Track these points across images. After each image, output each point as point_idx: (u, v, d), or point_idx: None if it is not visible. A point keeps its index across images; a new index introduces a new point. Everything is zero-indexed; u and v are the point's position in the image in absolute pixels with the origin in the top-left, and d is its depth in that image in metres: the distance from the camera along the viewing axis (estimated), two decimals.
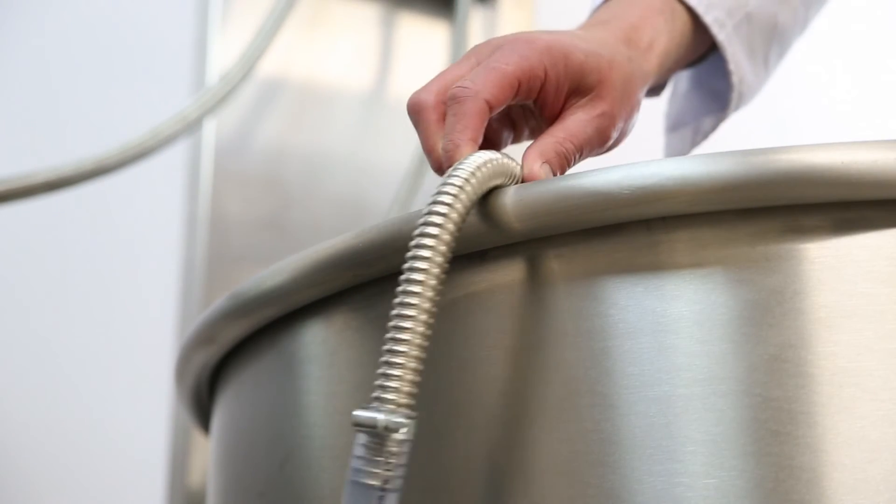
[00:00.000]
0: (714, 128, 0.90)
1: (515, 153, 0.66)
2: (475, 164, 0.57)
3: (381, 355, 0.53)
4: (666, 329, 0.54)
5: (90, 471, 1.29)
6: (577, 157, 0.69)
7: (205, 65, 1.36)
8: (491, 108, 0.65)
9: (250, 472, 0.68)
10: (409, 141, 1.42)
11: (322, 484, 0.61)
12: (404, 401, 0.52)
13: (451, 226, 0.54)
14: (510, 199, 0.57)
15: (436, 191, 0.55)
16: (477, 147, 0.63)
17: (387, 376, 0.52)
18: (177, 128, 1.07)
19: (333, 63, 1.43)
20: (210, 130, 1.33)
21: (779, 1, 0.89)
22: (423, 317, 0.53)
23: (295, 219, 1.35)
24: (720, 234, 0.55)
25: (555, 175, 0.65)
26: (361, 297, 0.62)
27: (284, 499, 0.64)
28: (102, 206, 1.32)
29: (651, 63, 0.78)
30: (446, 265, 0.54)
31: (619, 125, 0.72)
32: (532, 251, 0.57)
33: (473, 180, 0.56)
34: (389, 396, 0.52)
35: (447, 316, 0.58)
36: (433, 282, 0.53)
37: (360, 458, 0.53)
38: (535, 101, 0.69)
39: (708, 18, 0.82)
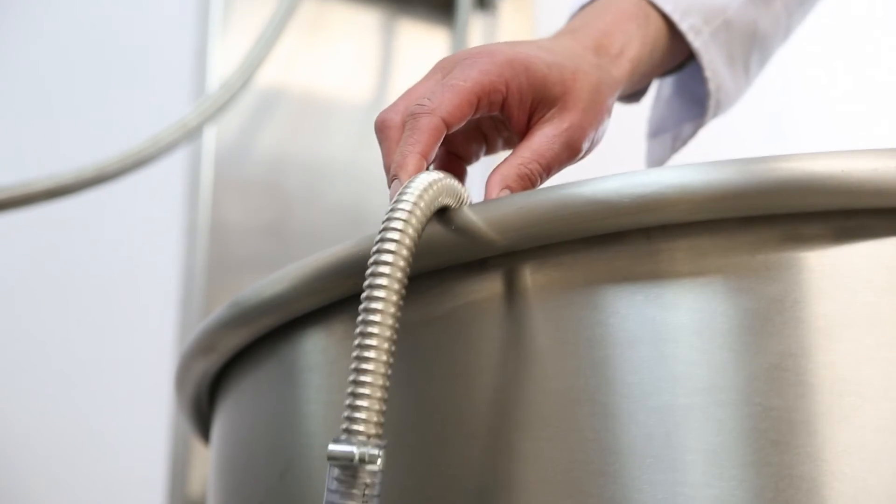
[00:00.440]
0: (693, 134, 0.89)
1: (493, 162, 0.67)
2: (422, 186, 0.57)
3: (347, 385, 0.52)
4: (666, 338, 0.54)
5: (90, 480, 1.29)
6: (545, 175, 0.69)
7: (205, 72, 1.36)
8: (448, 126, 0.66)
9: (250, 482, 0.67)
10: None
11: (323, 494, 0.61)
12: (374, 431, 0.52)
13: (404, 251, 0.54)
14: (510, 207, 0.57)
15: (385, 216, 0.55)
16: (425, 161, 0.64)
17: (355, 408, 0.52)
18: (177, 135, 1.07)
19: (333, 70, 1.43)
20: (210, 137, 1.33)
21: (759, 7, 0.88)
22: (385, 345, 0.53)
23: (295, 226, 1.35)
24: (720, 243, 0.55)
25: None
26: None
27: None
28: (102, 212, 1.32)
29: (622, 69, 0.77)
30: (403, 290, 0.54)
31: (590, 135, 0.72)
32: (532, 260, 0.57)
33: (422, 203, 0.56)
34: (360, 428, 0.52)
35: (447, 325, 0.58)
36: (392, 309, 0.53)
37: (335, 491, 0.53)
38: (501, 114, 0.69)
39: (683, 25, 0.81)
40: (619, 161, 0.87)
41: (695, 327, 0.54)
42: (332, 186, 1.38)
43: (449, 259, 0.59)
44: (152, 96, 1.37)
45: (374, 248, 0.55)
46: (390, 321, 0.53)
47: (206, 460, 0.91)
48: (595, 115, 0.72)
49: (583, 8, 0.81)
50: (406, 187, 0.57)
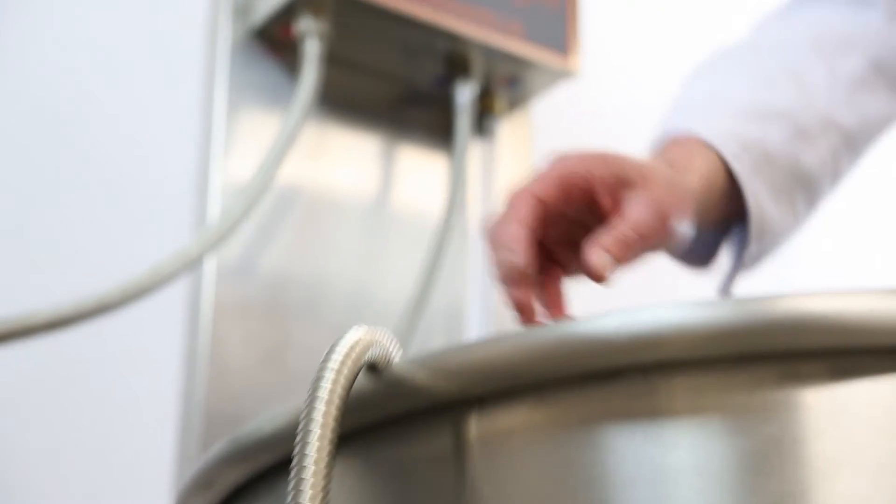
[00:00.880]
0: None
1: None
2: (347, 345, 0.58)
3: None
4: (665, 478, 0.54)
5: None
6: (641, 244, 0.72)
7: (206, 200, 1.37)
8: (541, 202, 0.72)
9: None
10: (409, 269, 1.43)
11: None
12: None
13: (331, 421, 0.55)
14: (509, 344, 0.57)
15: (311, 386, 0.56)
16: (524, 229, 0.70)
17: None
18: (177, 266, 1.07)
19: (333, 193, 1.44)
20: (211, 261, 1.34)
21: (800, 143, 0.90)
22: None
23: (296, 351, 1.35)
24: (718, 381, 0.55)
25: (619, 264, 0.70)
26: (362, 442, 0.62)
27: None
28: (100, 340, 1.32)
29: (693, 180, 0.80)
30: (332, 460, 0.54)
31: (674, 216, 0.73)
32: (529, 397, 0.57)
33: (345, 370, 0.57)
34: None
35: (443, 463, 0.58)
36: (322, 480, 0.53)
37: None
38: (591, 204, 0.74)
39: (725, 151, 0.84)
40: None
41: (694, 467, 0.53)
42: (332, 307, 1.39)
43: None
44: (153, 225, 1.37)
45: (302, 418, 0.55)
46: (321, 490, 0.53)
47: None
48: (675, 201, 0.75)
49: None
50: (332, 347, 0.58)
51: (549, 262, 0.77)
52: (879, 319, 0.53)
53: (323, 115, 1.45)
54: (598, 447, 0.55)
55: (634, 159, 0.76)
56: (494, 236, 0.72)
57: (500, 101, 1.52)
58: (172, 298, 1.34)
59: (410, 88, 1.50)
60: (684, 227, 0.77)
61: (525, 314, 0.74)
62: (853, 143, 0.94)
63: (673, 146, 0.85)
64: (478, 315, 1.49)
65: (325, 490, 0.53)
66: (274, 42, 1.42)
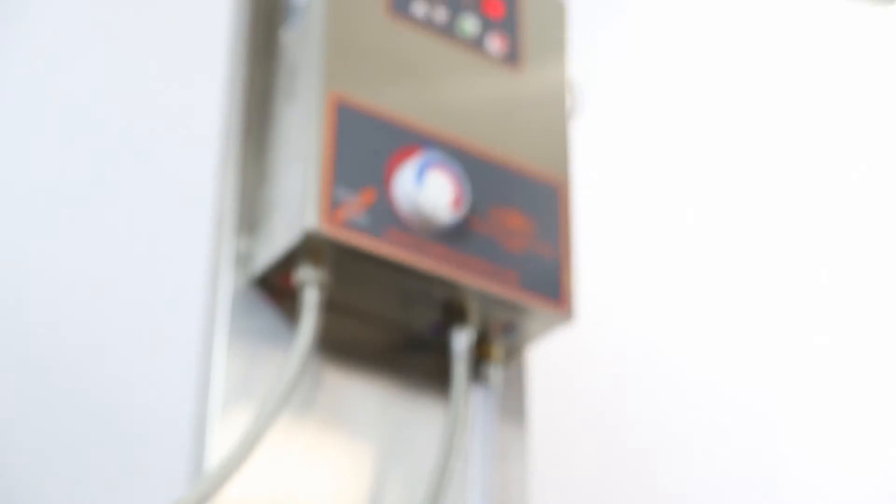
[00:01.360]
0: None
1: None
2: None
3: None
4: None
5: None
6: None
7: (203, 448, 1.36)
8: None
9: None
10: None
11: None
12: None
13: None
14: None
15: None
16: None
17: None
18: None
19: (332, 437, 1.43)
20: None
21: None
22: None
23: None
24: None
25: None
26: None
27: None
28: None
29: None
30: None
31: None
32: None
33: None
34: None
35: None
36: None
37: None
38: None
39: None
40: None
41: None
42: None
43: None
44: (148, 473, 1.36)
45: None
46: None
47: None
48: None
49: None
50: None
51: None
52: None
53: (321, 361, 1.45)
54: None
55: None
56: None
57: (496, 348, 1.53)
58: None
59: (408, 335, 1.51)
60: None
61: None
62: None
63: None
64: None
65: None
66: (274, 290, 1.43)
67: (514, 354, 1.58)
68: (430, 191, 1.40)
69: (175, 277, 1.57)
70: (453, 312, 1.47)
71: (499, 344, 1.53)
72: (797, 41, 2.34)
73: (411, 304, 1.47)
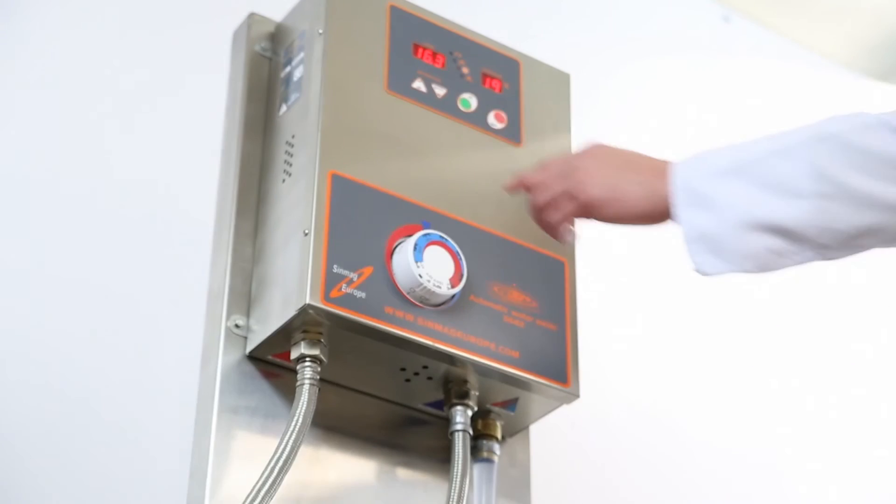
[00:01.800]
0: None
1: None
2: None
3: None
4: None
5: None
6: None
7: None
8: None
9: None
10: None
11: None
12: None
13: None
14: None
15: None
16: None
17: None
18: None
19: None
20: None
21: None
22: None
23: None
24: None
25: None
26: None
27: None
28: None
29: None
30: None
31: None
32: None
33: None
34: None
35: None
36: None
37: None
38: None
39: None
40: None
41: None
42: None
43: None
44: None
45: None
46: None
47: None
48: None
49: None
50: None
51: None
52: None
53: (318, 438, 1.44)
54: None
55: None
56: None
57: (497, 425, 1.51)
58: None
59: (407, 412, 1.50)
60: None
61: None
62: None
63: None
64: None
65: None
66: (270, 366, 1.43)
67: (517, 430, 1.57)
68: (428, 267, 1.39)
69: (170, 355, 1.56)
70: (453, 389, 1.46)
71: (499, 421, 1.52)
72: (798, 109, 2.35)
73: (410, 381, 1.46)
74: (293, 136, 1.46)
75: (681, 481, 2.06)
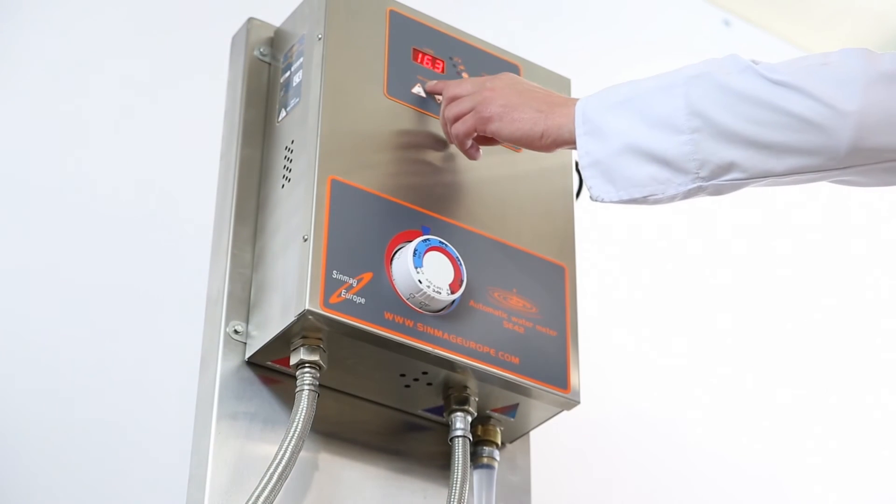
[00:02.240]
0: None
1: None
2: None
3: None
4: None
5: None
6: None
7: None
8: None
9: None
10: None
11: None
12: None
13: None
14: None
15: None
16: None
17: None
18: None
19: None
20: None
21: None
22: None
23: None
24: None
25: None
26: None
27: None
28: None
29: None
30: None
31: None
32: None
33: None
34: None
35: None
36: None
37: None
38: None
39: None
40: None
41: None
42: None
43: None
44: None
45: None
46: None
47: None
48: None
49: None
50: None
51: None
52: None
53: (317, 444, 1.44)
54: None
55: None
56: None
57: (496, 431, 1.51)
58: None
59: (407, 418, 1.50)
60: None
61: None
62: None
63: None
64: None
65: None
66: (269, 371, 1.42)
67: (517, 436, 1.56)
68: (428, 273, 1.39)
69: (169, 360, 1.56)
70: (453, 395, 1.46)
71: (499, 427, 1.51)
72: None
73: (410, 387, 1.46)
74: (292, 142, 1.46)
75: (680, 488, 2.06)
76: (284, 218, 1.43)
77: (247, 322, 1.43)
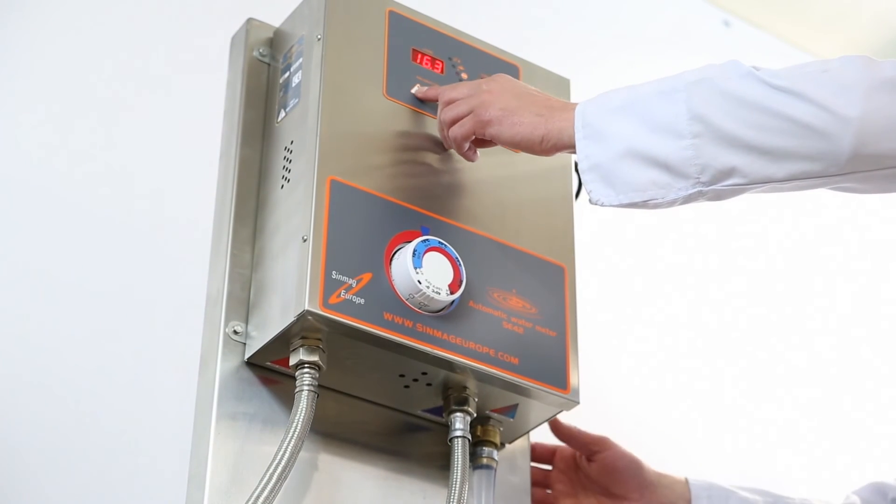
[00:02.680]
0: None
1: None
2: None
3: None
4: None
5: None
6: None
7: None
8: None
9: None
10: None
11: None
12: None
13: None
14: None
15: None
16: None
17: None
18: None
19: None
20: None
21: None
22: None
23: None
24: None
25: None
26: None
27: None
28: None
29: None
30: None
31: None
32: None
33: None
34: None
35: None
36: None
37: None
38: None
39: None
40: None
41: None
42: None
43: None
44: None
45: None
46: None
47: None
48: None
49: None
50: None
51: None
52: None
53: (317, 445, 1.44)
54: None
55: None
56: None
57: (496, 431, 1.51)
58: None
59: (406, 418, 1.50)
60: None
61: None
62: None
63: None
64: None
65: None
66: (268, 372, 1.42)
67: (516, 436, 1.57)
68: (427, 273, 1.39)
69: (168, 361, 1.56)
70: (452, 395, 1.46)
71: (499, 427, 1.51)
72: None
73: (409, 387, 1.45)
74: (292, 142, 1.46)
75: None
76: (284, 218, 1.42)
77: (246, 322, 1.43)
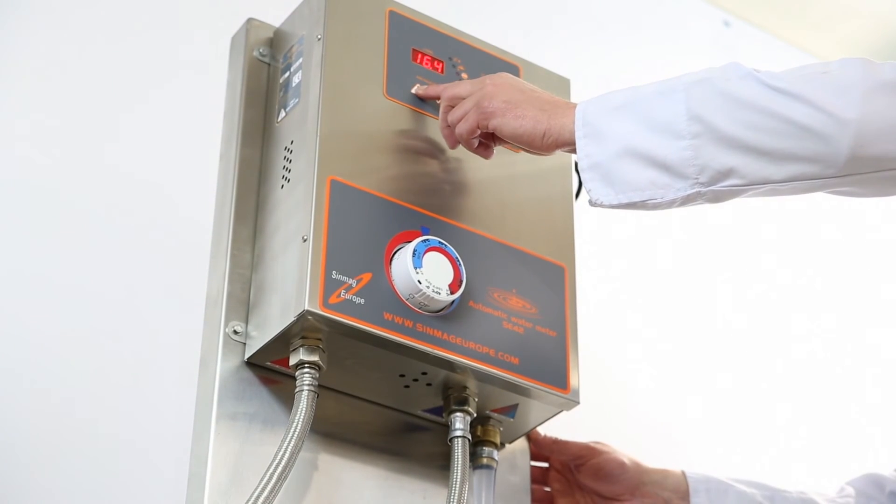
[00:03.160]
0: None
1: None
2: None
3: None
4: None
5: None
6: None
7: None
8: None
9: None
10: None
11: None
12: None
13: None
14: None
15: None
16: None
17: None
18: None
19: None
20: None
21: None
22: None
23: None
24: None
25: None
26: None
27: None
28: None
29: None
30: None
31: None
32: None
33: None
34: None
35: None
36: None
37: None
38: None
39: None
40: None
41: None
42: None
43: None
44: None
45: None
46: None
47: None
48: None
49: None
50: None
51: None
52: None
53: (317, 445, 1.44)
54: None
55: None
56: None
57: (496, 431, 1.51)
58: None
59: (406, 418, 1.50)
60: None
61: None
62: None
63: None
64: None
65: None
66: (268, 372, 1.42)
67: (516, 436, 1.57)
68: (428, 273, 1.39)
69: (168, 361, 1.56)
70: (452, 395, 1.46)
71: (499, 427, 1.51)
72: None
73: (409, 387, 1.46)
74: (292, 142, 1.46)
75: None
76: (284, 218, 1.42)
77: (246, 322, 1.43)
